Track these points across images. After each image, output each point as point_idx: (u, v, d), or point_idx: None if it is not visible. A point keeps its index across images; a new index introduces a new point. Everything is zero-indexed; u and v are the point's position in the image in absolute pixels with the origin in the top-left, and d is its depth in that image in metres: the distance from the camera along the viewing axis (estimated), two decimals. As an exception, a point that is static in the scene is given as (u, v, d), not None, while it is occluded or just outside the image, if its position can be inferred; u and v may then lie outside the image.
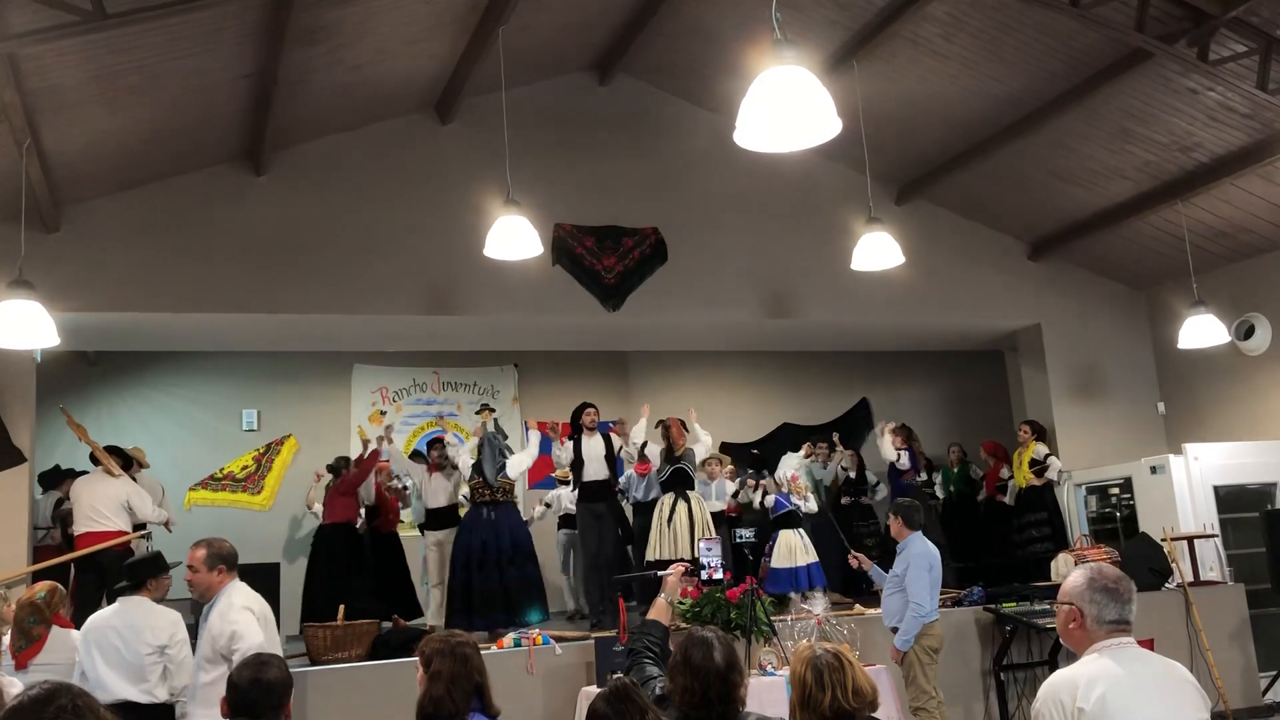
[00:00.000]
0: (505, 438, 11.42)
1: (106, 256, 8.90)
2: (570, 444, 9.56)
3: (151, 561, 5.72)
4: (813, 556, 9.86)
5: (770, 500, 10.17)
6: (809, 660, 3.12)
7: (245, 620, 4.81)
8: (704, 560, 7.39)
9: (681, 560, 6.33)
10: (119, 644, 5.30)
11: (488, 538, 8.94)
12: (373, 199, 9.69)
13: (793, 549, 9.87)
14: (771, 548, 9.88)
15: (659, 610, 4.13)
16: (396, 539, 10.58)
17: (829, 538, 10.57)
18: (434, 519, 9.89)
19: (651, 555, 8.99)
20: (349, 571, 9.70)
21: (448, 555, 9.38)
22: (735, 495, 10.34)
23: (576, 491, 9.61)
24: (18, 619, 5.84)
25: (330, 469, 10.54)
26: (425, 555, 10.05)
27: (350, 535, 10.11)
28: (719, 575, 7.34)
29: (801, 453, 11.11)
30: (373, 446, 10.23)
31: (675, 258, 10.43)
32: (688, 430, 9.64)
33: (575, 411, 9.60)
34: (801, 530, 10.07)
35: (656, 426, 9.74)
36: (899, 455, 11.57)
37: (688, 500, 9.21)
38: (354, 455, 11.73)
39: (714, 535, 8.66)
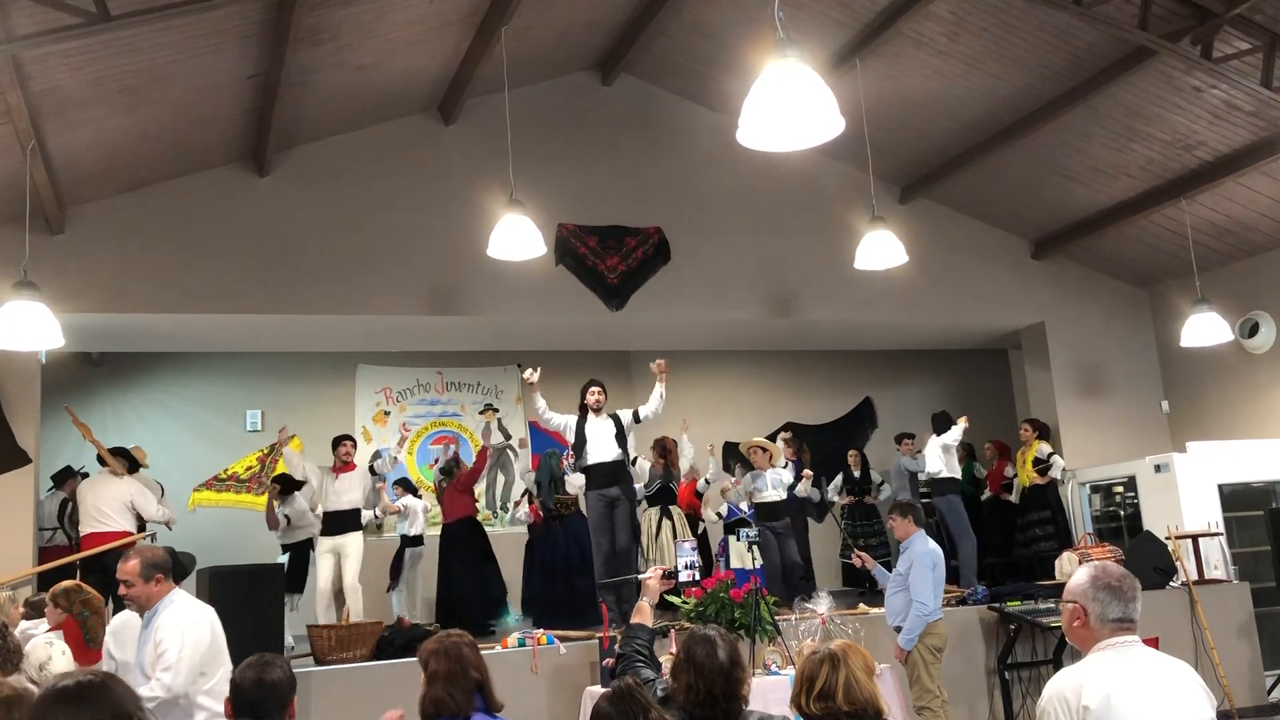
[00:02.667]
0: (509, 438, 11.45)
1: (110, 258, 8.92)
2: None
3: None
4: (758, 563, 9.86)
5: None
6: (810, 653, 3.15)
7: (178, 643, 4.48)
8: (681, 560, 7.43)
9: (660, 564, 6.40)
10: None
11: (557, 549, 9.55)
12: (376, 200, 9.70)
13: (743, 554, 9.77)
14: (725, 551, 9.75)
15: (641, 614, 4.16)
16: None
17: (832, 536, 10.61)
18: (334, 523, 8.94)
19: (641, 567, 9.02)
20: (484, 559, 9.89)
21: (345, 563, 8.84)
22: (792, 487, 9.94)
23: (583, 475, 9.12)
24: (79, 614, 5.95)
25: (443, 471, 10.38)
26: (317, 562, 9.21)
27: (475, 528, 10.20)
28: (697, 576, 7.42)
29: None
30: (481, 444, 10.63)
31: (678, 257, 10.43)
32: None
33: (581, 390, 8.78)
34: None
35: (653, 447, 9.78)
36: (787, 464, 10.64)
37: (670, 516, 9.48)
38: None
39: (692, 538, 8.74)
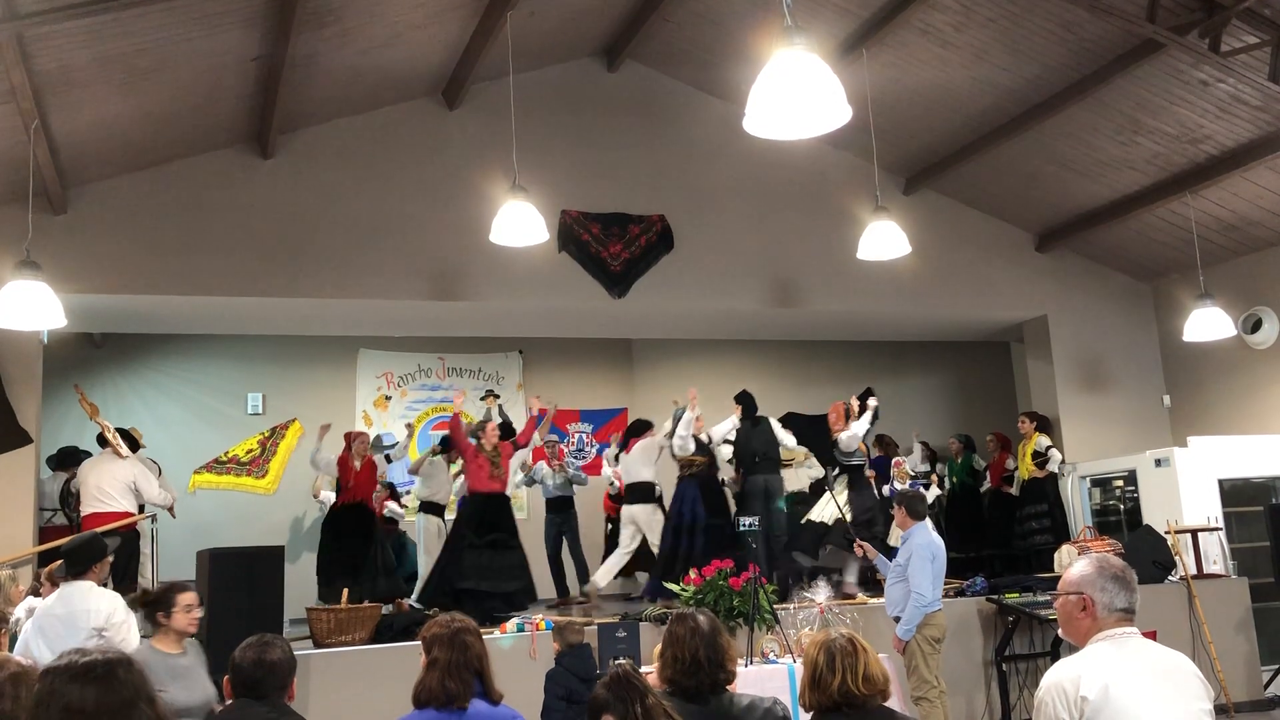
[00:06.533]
0: (509, 424, 11.43)
1: (113, 239, 8.91)
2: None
3: (90, 545, 5.49)
4: None
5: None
6: (823, 643, 3.16)
7: None
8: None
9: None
10: (61, 630, 5.10)
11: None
12: (379, 184, 9.68)
13: None
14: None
15: None
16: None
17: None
18: (631, 494, 10.06)
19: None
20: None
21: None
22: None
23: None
24: None
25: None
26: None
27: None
28: None
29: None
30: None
31: (681, 245, 10.41)
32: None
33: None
34: None
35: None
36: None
37: None
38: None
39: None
